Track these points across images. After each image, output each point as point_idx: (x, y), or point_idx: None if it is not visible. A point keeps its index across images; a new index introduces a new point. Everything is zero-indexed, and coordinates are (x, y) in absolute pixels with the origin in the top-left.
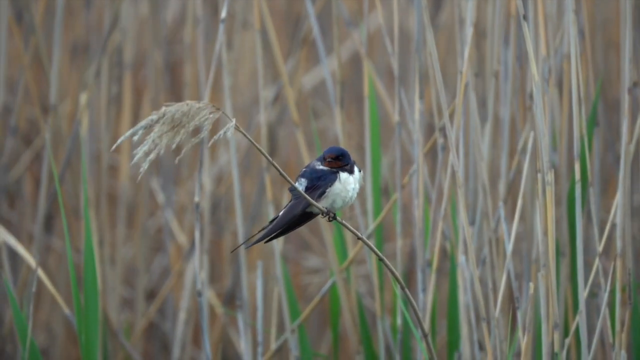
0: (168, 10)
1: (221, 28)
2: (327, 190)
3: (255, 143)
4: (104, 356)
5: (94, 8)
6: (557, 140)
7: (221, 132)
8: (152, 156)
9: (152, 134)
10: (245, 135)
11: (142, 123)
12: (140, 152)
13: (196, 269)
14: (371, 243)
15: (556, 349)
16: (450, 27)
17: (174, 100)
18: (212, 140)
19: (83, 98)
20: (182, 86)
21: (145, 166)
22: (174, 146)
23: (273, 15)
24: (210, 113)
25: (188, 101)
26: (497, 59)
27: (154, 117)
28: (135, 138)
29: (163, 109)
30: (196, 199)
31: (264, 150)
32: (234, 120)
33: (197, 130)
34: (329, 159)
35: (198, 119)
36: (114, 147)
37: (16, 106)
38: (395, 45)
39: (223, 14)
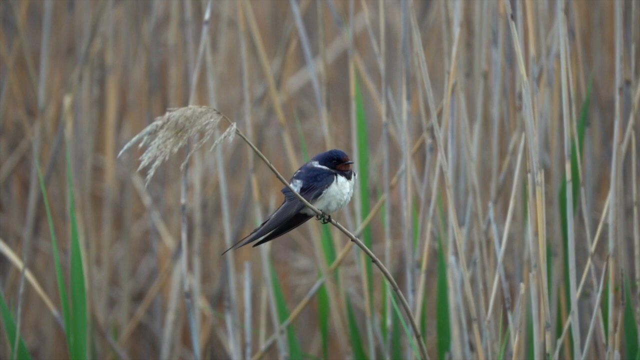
0: (152, 11)
1: (204, 30)
2: (324, 191)
3: (254, 147)
4: (93, 357)
5: (77, 11)
6: (549, 140)
7: (222, 136)
8: (157, 162)
9: (156, 140)
10: (245, 139)
11: (148, 129)
12: (145, 158)
13: (183, 270)
14: (362, 243)
15: (548, 349)
16: (440, 27)
17: (159, 103)
18: (214, 145)
19: (67, 101)
20: (167, 88)
21: (151, 173)
22: (176, 150)
23: (258, 17)
24: (212, 117)
25: (191, 105)
26: (486, 59)
27: (159, 122)
28: (141, 145)
29: (167, 114)
30: (182, 200)
31: (261, 154)
32: (234, 125)
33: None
34: (347, 162)
35: (200, 124)
36: (120, 153)
37: (1, 109)
38: (381, 45)
39: (207, 15)
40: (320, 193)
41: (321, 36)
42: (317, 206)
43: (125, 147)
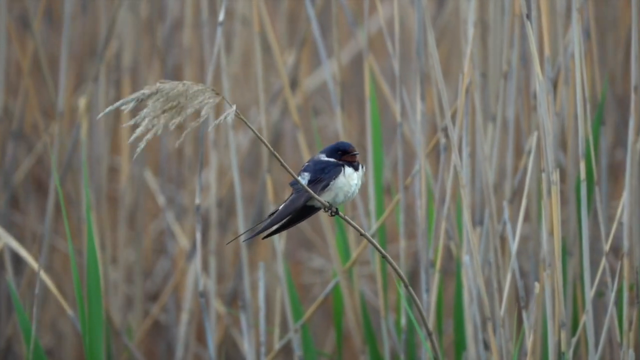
0: (167, 13)
1: (219, 31)
2: (331, 183)
3: (257, 133)
4: (108, 357)
5: (93, 13)
6: (566, 139)
7: (222, 117)
8: (149, 136)
9: (145, 109)
10: (246, 122)
11: (134, 95)
12: (138, 131)
13: (198, 270)
14: (374, 240)
15: (563, 348)
16: (455, 27)
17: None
18: (213, 125)
19: (82, 102)
20: None
21: (142, 146)
22: (172, 127)
23: (273, 17)
24: (210, 97)
25: (185, 81)
26: (507, 60)
27: (146, 91)
28: (126, 110)
29: (157, 84)
30: (197, 200)
31: (266, 141)
32: (234, 107)
33: (196, 116)
34: (352, 153)
35: (197, 102)
36: (99, 116)
37: (18, 111)
38: (396, 46)
39: (221, 16)
40: (328, 184)
41: (335, 37)
42: (325, 198)
43: (107, 110)
